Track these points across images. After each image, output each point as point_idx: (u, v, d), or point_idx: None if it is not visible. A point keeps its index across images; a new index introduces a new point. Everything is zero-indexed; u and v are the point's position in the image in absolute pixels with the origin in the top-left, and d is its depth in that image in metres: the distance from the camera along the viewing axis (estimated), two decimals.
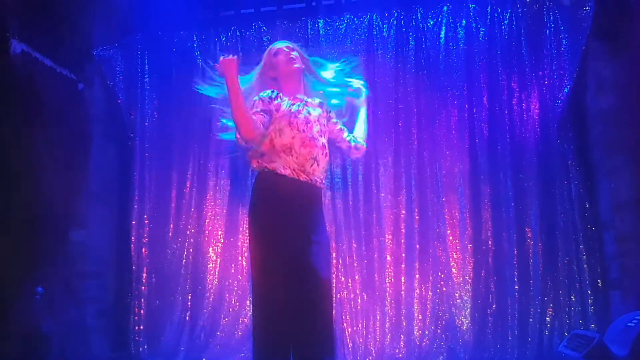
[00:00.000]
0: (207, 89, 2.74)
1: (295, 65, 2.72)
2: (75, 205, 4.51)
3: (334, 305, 2.66)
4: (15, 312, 3.82)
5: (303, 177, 2.60)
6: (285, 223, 2.52)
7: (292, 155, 2.59)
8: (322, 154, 2.66)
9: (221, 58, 2.46)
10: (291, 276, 2.48)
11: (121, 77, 4.97)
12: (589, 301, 4.12)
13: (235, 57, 2.47)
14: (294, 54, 2.75)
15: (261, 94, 2.67)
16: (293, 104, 2.66)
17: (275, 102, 2.64)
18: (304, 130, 2.61)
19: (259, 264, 2.56)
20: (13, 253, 3.85)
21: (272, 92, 2.68)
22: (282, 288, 2.48)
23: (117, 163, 4.97)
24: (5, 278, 3.84)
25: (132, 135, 4.96)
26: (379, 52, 4.72)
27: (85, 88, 4.65)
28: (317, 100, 2.83)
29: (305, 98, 2.77)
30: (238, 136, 2.51)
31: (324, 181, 2.72)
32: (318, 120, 2.72)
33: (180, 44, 5.03)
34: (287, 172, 2.58)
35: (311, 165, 2.61)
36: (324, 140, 2.70)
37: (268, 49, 2.84)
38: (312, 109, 2.73)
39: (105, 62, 4.89)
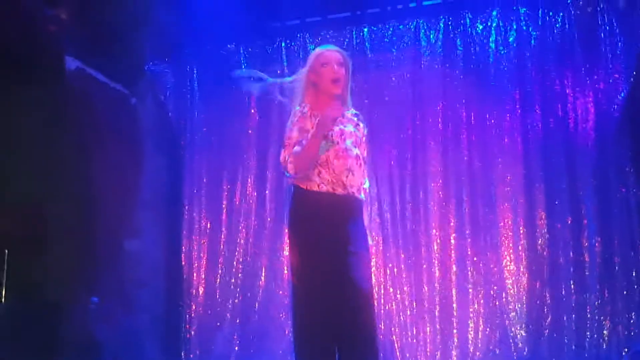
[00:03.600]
0: (246, 80, 2.76)
1: (336, 91, 2.70)
2: (128, 215, 4.63)
3: (375, 316, 2.63)
4: (70, 320, 3.93)
5: (340, 191, 2.59)
6: (321, 237, 2.53)
7: (329, 168, 2.59)
8: (357, 164, 2.64)
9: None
10: (329, 288, 2.48)
11: (171, 90, 5.11)
12: None
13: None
14: (342, 71, 2.70)
15: (297, 107, 2.69)
16: (329, 117, 2.63)
17: (310, 120, 2.65)
18: (338, 142, 2.61)
19: (297, 278, 2.58)
20: (69, 262, 3.98)
21: (305, 107, 2.68)
22: (320, 301, 2.48)
23: (167, 174, 5.07)
24: (62, 287, 3.96)
25: (182, 145, 5.08)
26: (426, 59, 4.67)
27: (137, 102, 4.78)
28: (352, 111, 2.81)
29: (341, 111, 2.73)
30: (290, 167, 2.58)
31: (362, 192, 2.69)
32: (353, 132, 2.70)
33: (227, 57, 5.11)
34: (323, 187, 2.58)
35: (347, 177, 2.60)
36: (358, 151, 2.68)
37: (317, 52, 2.77)
38: (347, 122, 2.72)
39: (157, 76, 5.03)
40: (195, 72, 5.14)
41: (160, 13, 4.58)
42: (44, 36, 4.00)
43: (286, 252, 4.71)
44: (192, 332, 4.76)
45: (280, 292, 4.72)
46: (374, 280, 4.29)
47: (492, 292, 4.29)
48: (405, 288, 4.44)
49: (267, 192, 4.91)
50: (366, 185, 2.80)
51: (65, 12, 4.10)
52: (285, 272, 4.71)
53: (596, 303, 4.09)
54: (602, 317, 4.07)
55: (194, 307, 4.82)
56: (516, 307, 4.23)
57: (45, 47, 4.00)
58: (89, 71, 4.25)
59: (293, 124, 2.66)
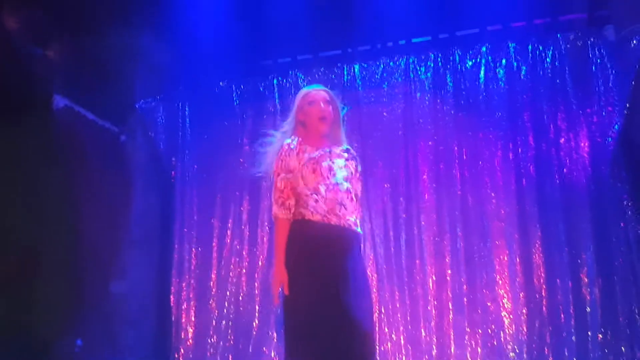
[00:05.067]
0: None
1: (324, 129, 2.71)
2: (116, 254, 4.55)
3: (376, 354, 2.51)
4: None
5: (334, 221, 2.52)
6: (319, 270, 2.44)
7: (320, 199, 2.54)
8: (348, 198, 2.59)
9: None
10: (327, 327, 2.37)
11: (163, 127, 5.09)
12: None
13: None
14: (329, 109, 2.71)
15: (286, 140, 2.66)
16: (316, 153, 2.62)
17: (298, 155, 2.62)
18: (327, 177, 2.57)
19: (292, 316, 2.47)
20: (55, 303, 3.89)
21: (294, 140, 2.65)
22: (318, 341, 2.37)
23: (158, 212, 5.01)
24: (46, 329, 3.86)
25: (172, 183, 5.02)
26: (417, 95, 4.66)
27: (127, 139, 4.77)
28: (344, 147, 2.78)
29: (329, 148, 2.71)
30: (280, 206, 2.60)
31: (357, 225, 2.62)
32: (344, 167, 2.66)
33: (220, 94, 5.12)
34: (317, 217, 2.52)
35: (339, 210, 2.55)
36: (349, 185, 2.63)
37: (303, 93, 2.79)
38: (336, 158, 2.68)
39: (147, 113, 5.02)
40: (187, 109, 5.14)
41: (152, 51, 4.61)
42: (32, 75, 4.01)
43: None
44: None
45: (275, 334, 4.57)
46: None
47: (490, 332, 4.15)
48: (401, 328, 4.31)
49: (259, 230, 4.82)
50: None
51: (54, 51, 4.12)
52: (280, 312, 4.59)
53: (598, 341, 3.94)
54: (604, 357, 3.92)
55: (182, 351, 4.67)
56: (515, 348, 4.08)
57: (33, 86, 4.01)
58: (78, 109, 4.26)
59: (280, 161, 2.63)
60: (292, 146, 2.63)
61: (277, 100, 4.96)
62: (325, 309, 2.38)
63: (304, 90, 2.82)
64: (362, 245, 2.80)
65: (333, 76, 4.87)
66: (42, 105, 3.96)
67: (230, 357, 4.61)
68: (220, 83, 5.13)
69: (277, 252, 2.54)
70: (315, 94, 2.75)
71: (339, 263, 2.47)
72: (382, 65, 4.79)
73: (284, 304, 2.52)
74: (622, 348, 3.90)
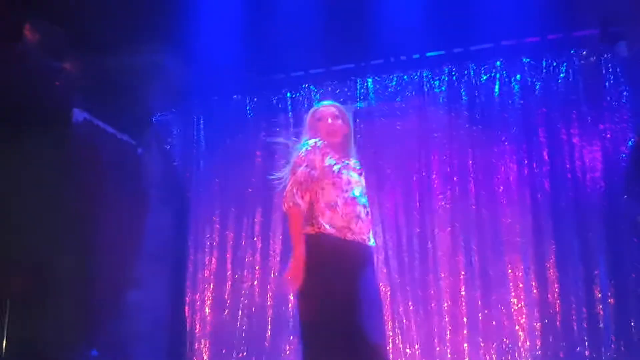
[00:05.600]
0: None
1: (335, 139, 2.73)
2: (131, 266, 4.57)
3: None
4: None
5: (349, 236, 2.54)
6: (332, 284, 2.45)
7: (337, 212, 2.55)
8: (365, 212, 2.62)
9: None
10: (342, 341, 2.38)
11: (177, 140, 5.14)
12: None
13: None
14: (338, 122, 2.75)
15: (312, 140, 2.67)
16: (336, 164, 2.64)
17: (323, 156, 2.63)
18: (346, 190, 2.59)
19: (307, 327, 2.49)
20: (70, 314, 3.91)
21: (319, 141, 2.67)
22: (331, 352, 2.38)
23: (172, 224, 5.03)
24: (62, 338, 3.88)
25: (187, 195, 5.06)
26: (431, 109, 4.68)
27: (144, 152, 4.80)
28: (356, 161, 2.79)
29: (346, 161, 2.73)
30: (284, 207, 2.60)
31: (371, 240, 2.64)
32: (359, 181, 2.69)
33: (233, 107, 5.15)
34: (333, 231, 2.53)
35: (356, 224, 2.56)
36: (365, 200, 2.66)
37: (312, 110, 2.84)
38: (352, 171, 2.70)
39: (163, 127, 5.07)
40: (201, 122, 5.18)
41: (168, 65, 4.65)
42: (52, 89, 4.06)
43: (292, 304, 4.63)
44: None
45: (288, 346, 4.58)
46: None
47: (504, 347, 4.16)
48: (415, 342, 4.31)
49: (272, 242, 4.84)
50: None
51: (72, 65, 4.17)
52: (292, 325, 4.60)
53: (612, 358, 3.94)
54: None
55: None
56: None
57: (53, 100, 4.06)
58: (97, 122, 4.29)
59: (305, 154, 2.62)
60: (318, 144, 2.65)
61: (290, 114, 5.00)
62: (338, 322, 2.40)
63: (313, 108, 2.88)
64: (375, 258, 2.79)
65: (346, 89, 4.90)
66: (61, 118, 4.00)
67: None
68: (234, 96, 5.17)
69: (295, 242, 2.52)
70: (323, 110, 2.80)
71: (352, 278, 2.48)
72: (395, 79, 4.81)
73: (299, 317, 2.54)
74: None
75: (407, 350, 4.31)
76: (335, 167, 2.62)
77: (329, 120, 2.74)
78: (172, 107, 5.09)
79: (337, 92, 4.87)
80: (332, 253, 2.50)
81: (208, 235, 4.99)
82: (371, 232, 2.65)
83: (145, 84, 4.47)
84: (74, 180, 4.05)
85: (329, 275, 2.47)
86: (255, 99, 5.14)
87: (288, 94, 5.05)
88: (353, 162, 2.76)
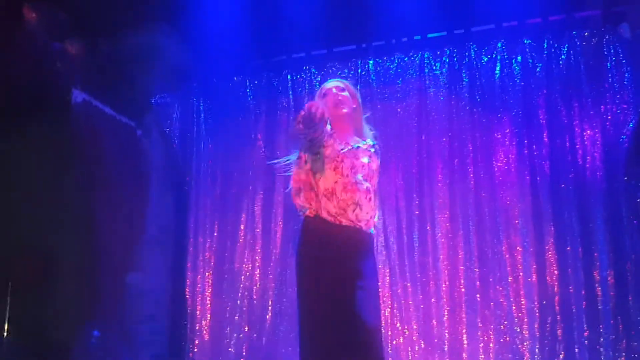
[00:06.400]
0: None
1: (343, 110, 2.68)
2: (132, 249, 4.60)
3: (384, 353, 2.54)
4: (72, 355, 3.87)
5: (345, 222, 2.54)
6: (328, 269, 2.47)
7: (333, 200, 2.53)
8: (366, 198, 2.57)
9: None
10: (336, 324, 2.41)
11: (177, 123, 5.13)
12: None
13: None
14: (344, 94, 2.71)
15: None
16: (343, 148, 2.61)
17: (332, 137, 2.59)
18: (347, 175, 2.55)
19: (303, 312, 2.52)
20: (72, 296, 3.94)
21: (330, 130, 2.63)
22: (327, 336, 2.41)
23: (173, 207, 5.06)
24: (64, 320, 3.91)
25: (188, 179, 5.07)
26: (431, 91, 4.66)
27: (143, 134, 4.80)
28: (370, 142, 2.75)
29: (357, 143, 2.68)
30: (294, 196, 2.60)
31: (371, 225, 2.64)
32: (367, 164, 2.64)
33: (234, 90, 5.13)
34: (329, 216, 2.54)
35: (353, 211, 2.54)
36: (368, 184, 2.62)
37: (319, 89, 2.83)
38: (362, 155, 2.65)
39: (163, 109, 5.06)
40: (201, 104, 5.16)
41: (168, 47, 4.64)
42: (52, 69, 4.04)
43: (293, 288, 4.65)
44: None
45: (288, 327, 4.62)
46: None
47: (502, 327, 4.18)
48: (413, 324, 4.34)
49: (272, 225, 4.85)
50: (376, 218, 2.74)
51: (73, 46, 4.15)
52: (292, 306, 4.63)
53: (610, 338, 3.96)
54: (616, 354, 3.94)
55: (197, 342, 4.73)
56: (527, 344, 4.10)
57: (53, 80, 4.05)
58: (96, 104, 4.29)
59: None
60: (329, 133, 2.60)
61: (290, 96, 4.97)
62: (333, 306, 2.42)
63: (319, 89, 2.84)
64: (375, 243, 2.76)
65: (347, 71, 4.87)
66: (61, 99, 3.99)
67: (244, 348, 4.66)
68: (235, 78, 5.14)
69: None
70: (327, 86, 2.77)
71: (347, 263, 2.49)
72: (396, 61, 4.78)
73: (297, 299, 2.56)
74: (635, 346, 3.92)
75: (406, 331, 4.34)
76: (342, 148, 2.58)
77: (334, 91, 2.70)
78: (172, 89, 5.07)
79: (339, 74, 4.82)
80: (328, 237, 2.51)
81: (209, 218, 5.00)
82: (372, 219, 2.63)
83: (145, 65, 4.45)
84: (74, 162, 4.06)
85: (321, 259, 2.48)
86: (256, 81, 5.11)
87: (289, 76, 5.01)
88: (365, 144, 2.70)
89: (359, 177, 2.58)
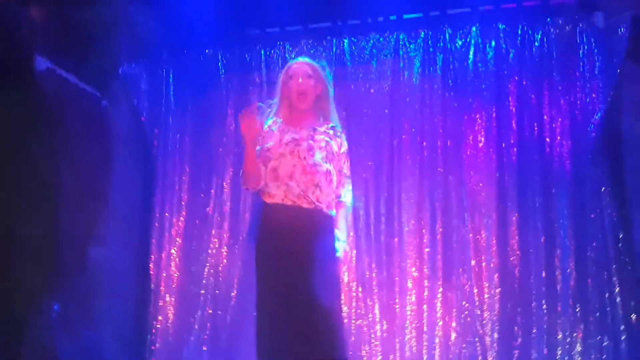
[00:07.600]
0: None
1: (303, 104, 2.69)
2: (96, 222, 4.51)
3: (343, 333, 2.55)
4: (31, 329, 3.80)
5: (305, 205, 2.53)
6: (283, 251, 2.48)
7: (293, 182, 2.52)
8: (326, 180, 2.59)
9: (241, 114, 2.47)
10: (291, 306, 2.41)
11: (146, 95, 5.00)
12: (622, 337, 3.91)
13: (256, 107, 2.47)
14: (310, 82, 2.69)
15: (267, 120, 2.67)
16: (299, 132, 2.61)
17: (277, 133, 2.62)
18: (305, 158, 2.56)
19: (258, 295, 2.54)
20: (31, 269, 3.85)
21: (276, 123, 2.67)
22: (282, 319, 2.42)
23: (139, 181, 4.95)
24: (23, 293, 3.83)
25: (154, 152, 4.97)
26: (405, 73, 4.63)
27: (109, 105, 4.67)
28: (330, 125, 2.76)
29: (315, 126, 2.70)
30: (242, 182, 2.64)
31: (332, 207, 2.63)
32: (325, 147, 2.64)
33: (205, 62, 5.02)
34: (287, 201, 2.53)
35: (313, 192, 2.55)
36: (329, 166, 2.62)
37: (287, 66, 2.81)
38: (320, 136, 2.66)
39: (131, 79, 4.91)
40: (171, 76, 5.04)
41: (137, 14, 4.50)
42: (14, 35, 3.88)
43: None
44: (158, 344, 4.62)
45: (253, 305, 4.59)
46: (345, 295, 4.25)
47: (463, 310, 4.24)
48: (376, 304, 4.37)
49: (241, 203, 4.80)
50: (347, 199, 2.73)
51: (37, 11, 3.99)
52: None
53: (569, 322, 4.06)
54: (574, 339, 4.04)
55: (160, 319, 4.69)
56: (487, 326, 4.18)
57: (15, 47, 3.89)
58: (60, 72, 4.14)
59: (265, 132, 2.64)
60: (272, 128, 2.63)
61: (263, 72, 4.88)
62: (291, 290, 2.43)
63: (288, 64, 2.82)
64: (334, 227, 2.73)
65: (321, 49, 4.80)
66: (24, 66, 3.84)
67: (208, 325, 4.64)
68: (207, 51, 5.02)
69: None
70: (296, 67, 2.72)
71: (307, 245, 2.49)
72: (372, 41, 4.73)
73: (255, 285, 2.56)
74: (591, 332, 4.02)
75: (370, 314, 4.37)
76: (296, 136, 2.60)
77: (300, 80, 2.67)
78: (141, 58, 4.93)
79: (312, 51, 4.76)
80: (285, 221, 2.51)
81: (176, 194, 4.92)
82: (334, 201, 2.63)
83: (112, 33, 4.32)
84: (36, 132, 3.93)
85: (280, 242, 2.49)
86: (228, 55, 5.00)
87: (262, 51, 4.92)
88: (324, 127, 2.71)
89: (318, 158, 2.56)
